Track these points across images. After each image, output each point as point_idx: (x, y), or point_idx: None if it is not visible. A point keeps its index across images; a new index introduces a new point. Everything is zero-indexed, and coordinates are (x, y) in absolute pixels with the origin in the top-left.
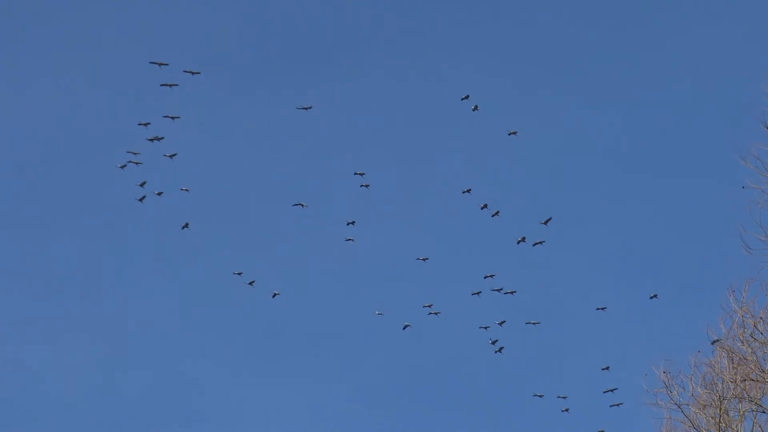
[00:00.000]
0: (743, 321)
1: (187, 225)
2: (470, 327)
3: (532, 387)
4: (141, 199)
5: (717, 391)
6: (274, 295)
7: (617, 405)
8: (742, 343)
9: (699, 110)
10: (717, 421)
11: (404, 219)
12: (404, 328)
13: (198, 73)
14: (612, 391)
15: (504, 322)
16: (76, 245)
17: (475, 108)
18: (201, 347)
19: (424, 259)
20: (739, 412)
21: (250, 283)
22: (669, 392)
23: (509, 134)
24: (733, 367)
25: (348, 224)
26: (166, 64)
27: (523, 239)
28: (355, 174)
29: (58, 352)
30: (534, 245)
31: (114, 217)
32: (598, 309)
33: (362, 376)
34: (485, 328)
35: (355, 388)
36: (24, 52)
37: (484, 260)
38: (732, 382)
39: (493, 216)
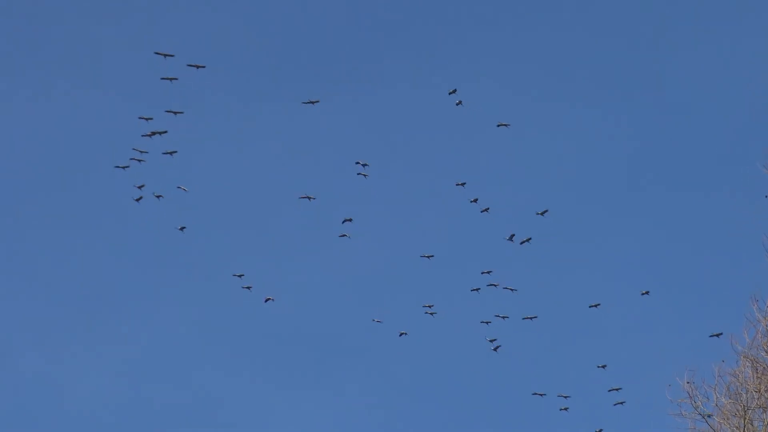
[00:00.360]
0: (767, 330)
1: (183, 228)
2: (473, 327)
3: (541, 388)
4: (138, 200)
5: (741, 401)
6: (267, 300)
7: (620, 403)
8: (766, 352)
9: (719, 118)
10: (742, 431)
11: (411, 222)
12: (400, 335)
13: (203, 66)
14: (617, 390)
15: (507, 317)
16: (99, 258)
17: (459, 103)
18: (222, 359)
19: (429, 257)
20: (764, 422)
21: (248, 288)
22: (693, 402)
23: (498, 126)
24: (758, 377)
25: (344, 221)
26: (172, 56)
27: (512, 237)
28: (357, 163)
29: (80, 364)
30: (521, 243)
31: (134, 229)
32: (591, 306)
33: (373, 381)
34: (487, 323)
35: (368, 394)
36: (25, 55)
37: (498, 266)
38: (756, 391)
39: (482, 212)
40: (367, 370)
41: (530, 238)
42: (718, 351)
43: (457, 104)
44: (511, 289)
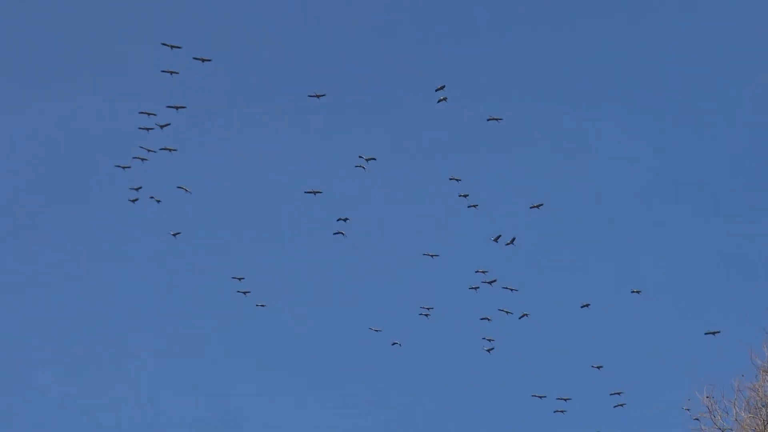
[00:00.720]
0: None
1: (178, 233)
2: (474, 329)
3: (544, 390)
4: (134, 201)
5: (761, 415)
6: (260, 305)
7: (620, 405)
8: None
9: (723, 121)
10: None
11: (415, 223)
12: (393, 345)
13: (209, 60)
14: (618, 393)
15: (510, 312)
16: (115, 273)
17: (444, 99)
18: (239, 370)
19: (433, 255)
20: None
21: (245, 293)
22: (712, 417)
23: (488, 120)
24: None
25: (339, 220)
26: (179, 47)
27: (498, 237)
28: (360, 157)
29: (99, 379)
30: (507, 244)
31: (148, 241)
32: (582, 306)
33: (375, 384)
34: (488, 319)
35: (371, 396)
36: (26, 57)
37: (503, 267)
38: None
39: (469, 207)
40: (371, 374)
41: (515, 238)
42: (737, 365)
43: (440, 101)
44: (512, 289)
